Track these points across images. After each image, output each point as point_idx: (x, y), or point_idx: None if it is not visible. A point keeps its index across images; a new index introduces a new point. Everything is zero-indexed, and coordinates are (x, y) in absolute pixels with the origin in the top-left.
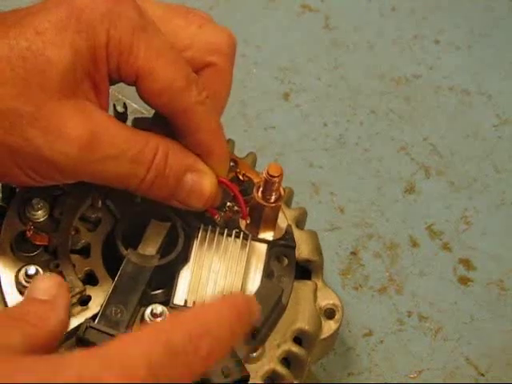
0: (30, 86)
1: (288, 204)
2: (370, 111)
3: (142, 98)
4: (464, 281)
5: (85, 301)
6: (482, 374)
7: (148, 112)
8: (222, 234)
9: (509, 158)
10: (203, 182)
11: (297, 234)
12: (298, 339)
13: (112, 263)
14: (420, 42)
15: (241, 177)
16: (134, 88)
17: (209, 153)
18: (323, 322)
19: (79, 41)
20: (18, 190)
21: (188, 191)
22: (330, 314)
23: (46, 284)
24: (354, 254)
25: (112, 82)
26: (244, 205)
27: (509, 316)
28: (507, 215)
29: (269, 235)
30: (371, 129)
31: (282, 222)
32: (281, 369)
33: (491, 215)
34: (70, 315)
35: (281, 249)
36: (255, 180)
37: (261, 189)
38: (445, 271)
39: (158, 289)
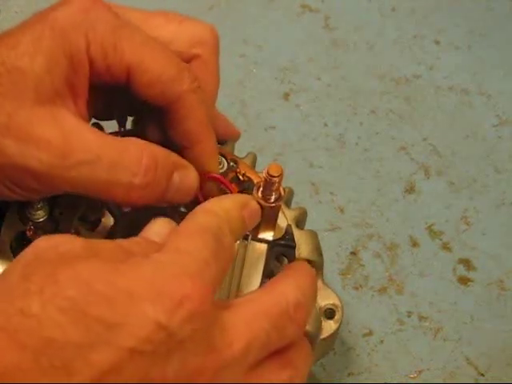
0: (5, 98)
1: (288, 204)
2: (370, 111)
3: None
4: (464, 281)
5: None
6: (482, 374)
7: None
8: None
9: (509, 158)
10: (189, 178)
11: (297, 233)
12: None
13: None
14: (420, 42)
15: (241, 177)
16: None
17: (197, 142)
18: (323, 322)
19: (55, 48)
20: None
21: (176, 190)
22: (329, 314)
23: (159, 226)
24: (353, 254)
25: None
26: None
27: (509, 316)
28: (507, 215)
29: (269, 235)
30: (371, 129)
31: (282, 221)
32: None
33: (491, 215)
34: None
35: (281, 249)
36: (255, 180)
37: (261, 189)
38: (445, 271)
39: None
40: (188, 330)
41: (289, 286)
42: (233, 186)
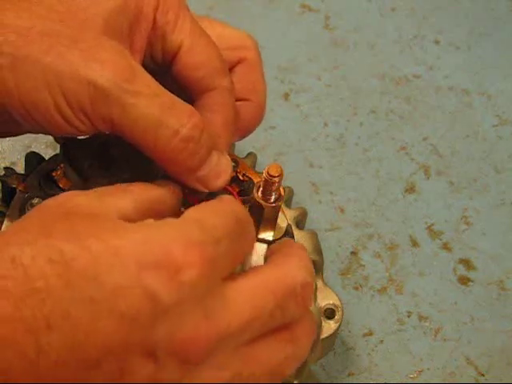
0: (74, 16)
1: (288, 204)
2: (370, 111)
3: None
4: (464, 281)
5: None
6: (482, 374)
7: None
8: None
9: (509, 158)
10: (225, 163)
11: (297, 234)
12: None
13: None
14: (420, 42)
15: (241, 177)
16: None
17: (217, 137)
18: (323, 322)
19: None
20: (18, 190)
21: (210, 169)
22: (329, 314)
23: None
24: (354, 253)
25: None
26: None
27: (509, 316)
28: (507, 215)
29: (269, 235)
30: (371, 129)
31: (282, 221)
32: None
33: (491, 215)
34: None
35: None
36: (255, 180)
37: (261, 189)
38: (445, 271)
39: None
40: (175, 297)
41: (296, 265)
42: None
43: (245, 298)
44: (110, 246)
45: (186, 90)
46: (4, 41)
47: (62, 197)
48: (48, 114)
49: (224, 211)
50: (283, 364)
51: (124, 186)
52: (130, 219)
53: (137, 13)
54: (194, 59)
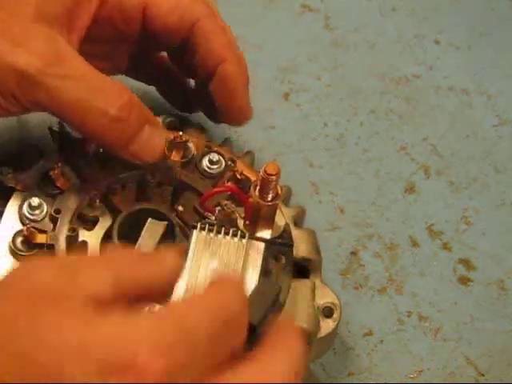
0: (5, 6)
1: (286, 202)
2: (370, 111)
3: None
4: (464, 281)
5: None
6: (482, 374)
7: None
8: (219, 232)
9: (509, 158)
10: (158, 136)
11: (295, 232)
12: None
13: None
14: (420, 42)
15: (238, 175)
16: None
17: (223, 59)
18: (321, 320)
19: None
20: (16, 189)
21: (143, 143)
22: (328, 312)
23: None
24: (353, 254)
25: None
26: (249, 210)
27: (509, 316)
28: (507, 215)
29: (266, 234)
30: (371, 129)
31: (280, 220)
32: None
33: (491, 215)
34: None
35: (278, 247)
36: (253, 179)
37: (258, 187)
38: (445, 271)
39: None
40: None
41: (281, 361)
42: (245, 198)
43: None
44: (71, 342)
45: (168, 41)
46: None
47: (28, 269)
48: None
49: (214, 307)
50: None
51: (109, 256)
52: (104, 301)
53: None
54: (163, 7)
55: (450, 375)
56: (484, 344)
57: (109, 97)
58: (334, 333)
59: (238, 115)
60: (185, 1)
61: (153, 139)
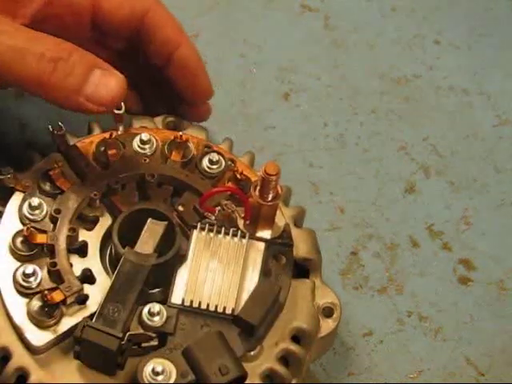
0: None
1: (286, 202)
2: (370, 111)
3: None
4: (464, 281)
5: (82, 300)
6: (482, 374)
7: None
8: (219, 232)
9: (509, 158)
10: (111, 80)
11: (294, 232)
12: (296, 338)
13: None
14: (420, 42)
15: (238, 176)
16: None
17: (178, 44)
18: (321, 320)
19: None
20: (16, 189)
21: (96, 85)
22: (328, 312)
23: None
24: (354, 253)
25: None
26: (249, 210)
27: (509, 316)
28: (507, 215)
29: (266, 234)
30: (371, 129)
31: (280, 220)
32: (279, 367)
33: (491, 215)
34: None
35: (278, 247)
36: (252, 179)
37: (258, 187)
38: (445, 271)
39: (156, 288)
40: None
41: None
42: (246, 197)
43: None
44: None
45: (119, 35)
46: None
47: None
48: None
49: None
50: None
51: None
52: None
53: None
54: (113, 1)
55: (450, 375)
56: (484, 344)
57: (46, 43)
58: (334, 333)
59: (202, 94)
60: None
61: (106, 83)
